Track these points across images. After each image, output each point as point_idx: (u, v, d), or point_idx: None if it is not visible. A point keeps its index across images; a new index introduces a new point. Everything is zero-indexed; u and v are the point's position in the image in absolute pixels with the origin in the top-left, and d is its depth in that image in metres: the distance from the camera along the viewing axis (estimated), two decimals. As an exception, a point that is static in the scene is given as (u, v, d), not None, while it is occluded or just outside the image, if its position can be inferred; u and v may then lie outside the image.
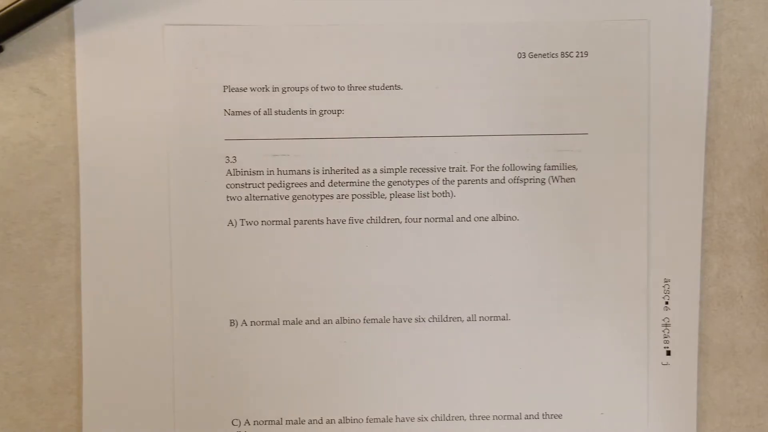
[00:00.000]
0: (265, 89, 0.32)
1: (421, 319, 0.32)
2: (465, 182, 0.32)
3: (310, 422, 0.32)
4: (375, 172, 0.32)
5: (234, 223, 0.32)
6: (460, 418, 0.32)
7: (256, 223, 0.32)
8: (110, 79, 0.31)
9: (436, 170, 0.32)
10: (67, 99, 0.31)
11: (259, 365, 0.32)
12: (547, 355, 0.32)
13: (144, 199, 0.31)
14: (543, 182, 0.32)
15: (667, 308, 0.32)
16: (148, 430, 0.32)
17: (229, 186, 0.32)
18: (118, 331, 0.32)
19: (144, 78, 0.31)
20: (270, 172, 0.32)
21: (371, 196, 0.32)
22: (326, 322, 0.32)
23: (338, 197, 0.32)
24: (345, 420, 0.32)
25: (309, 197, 0.32)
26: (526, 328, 0.32)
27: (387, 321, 0.32)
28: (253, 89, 0.32)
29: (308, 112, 0.32)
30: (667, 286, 0.32)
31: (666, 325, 0.32)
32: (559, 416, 0.33)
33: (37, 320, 0.32)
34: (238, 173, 0.32)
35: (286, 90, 0.32)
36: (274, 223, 0.32)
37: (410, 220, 0.32)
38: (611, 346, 0.32)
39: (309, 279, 0.32)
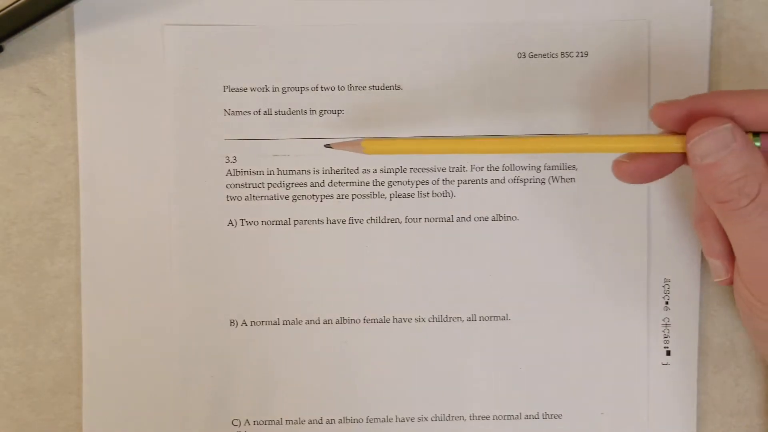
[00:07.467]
0: (265, 89, 0.32)
1: (421, 319, 0.32)
2: (465, 182, 0.32)
3: (310, 422, 0.32)
4: (375, 172, 0.32)
5: (234, 223, 0.32)
6: (460, 418, 0.32)
7: (256, 223, 0.32)
8: (110, 79, 0.31)
9: (436, 170, 0.32)
10: (67, 99, 0.31)
11: (259, 365, 0.32)
12: (547, 355, 0.32)
13: (144, 198, 0.31)
14: (543, 182, 0.32)
15: (667, 308, 0.32)
16: (148, 430, 0.32)
17: (229, 186, 0.32)
18: (118, 331, 0.32)
19: (144, 78, 0.31)
20: (270, 172, 0.32)
21: (371, 196, 0.32)
22: (326, 322, 0.32)
23: (338, 197, 0.32)
24: (345, 420, 0.32)
25: (309, 197, 0.32)
26: (526, 328, 0.32)
27: (387, 321, 0.32)
28: (253, 89, 0.32)
29: (308, 112, 0.32)
30: (667, 286, 0.32)
31: (666, 325, 0.32)
32: (559, 416, 0.33)
33: (37, 320, 0.32)
34: (238, 173, 0.32)
35: (286, 90, 0.32)
36: (274, 223, 0.32)
37: (410, 220, 0.32)
38: (611, 346, 0.32)
39: (309, 279, 0.32)
